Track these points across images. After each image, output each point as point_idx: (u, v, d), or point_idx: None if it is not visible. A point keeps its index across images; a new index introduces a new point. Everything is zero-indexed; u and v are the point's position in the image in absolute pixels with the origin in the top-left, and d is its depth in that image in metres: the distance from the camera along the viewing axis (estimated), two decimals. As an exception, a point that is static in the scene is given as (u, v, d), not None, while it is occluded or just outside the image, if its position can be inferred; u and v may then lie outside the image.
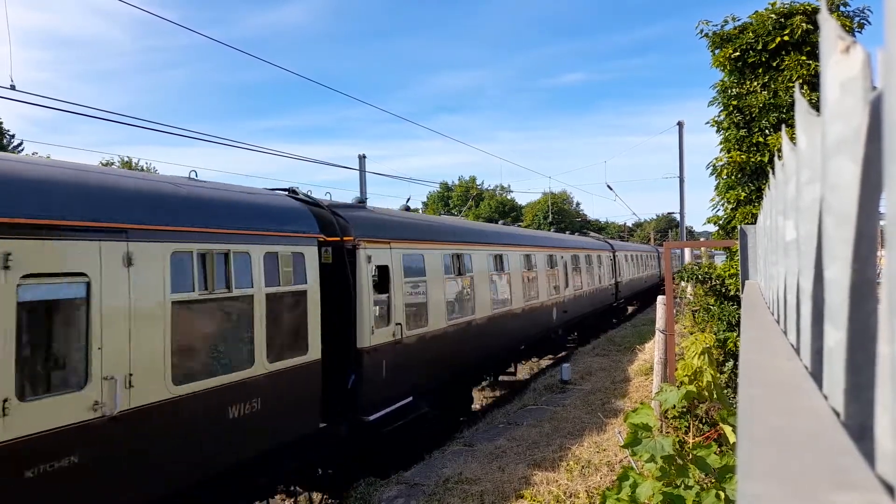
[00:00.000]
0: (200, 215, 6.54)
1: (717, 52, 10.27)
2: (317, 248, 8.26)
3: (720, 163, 10.24)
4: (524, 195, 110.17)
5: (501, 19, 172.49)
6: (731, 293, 9.97)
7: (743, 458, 0.58)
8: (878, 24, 10.42)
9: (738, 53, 9.94)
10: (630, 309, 35.30)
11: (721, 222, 10.39)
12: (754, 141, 9.70)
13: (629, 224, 78.82)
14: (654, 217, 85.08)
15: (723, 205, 10.26)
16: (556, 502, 7.75)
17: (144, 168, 52.81)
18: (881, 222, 0.56)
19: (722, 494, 3.85)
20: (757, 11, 10.06)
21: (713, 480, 4.39)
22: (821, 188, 0.77)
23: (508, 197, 77.20)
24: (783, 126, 1.79)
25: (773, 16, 9.76)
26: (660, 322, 9.55)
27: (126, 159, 52.64)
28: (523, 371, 18.55)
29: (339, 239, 8.81)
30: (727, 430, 4.15)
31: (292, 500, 8.86)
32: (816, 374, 0.91)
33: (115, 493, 5.45)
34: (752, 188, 9.69)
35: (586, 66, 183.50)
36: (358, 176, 26.21)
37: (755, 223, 4.93)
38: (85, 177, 5.75)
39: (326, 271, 8.55)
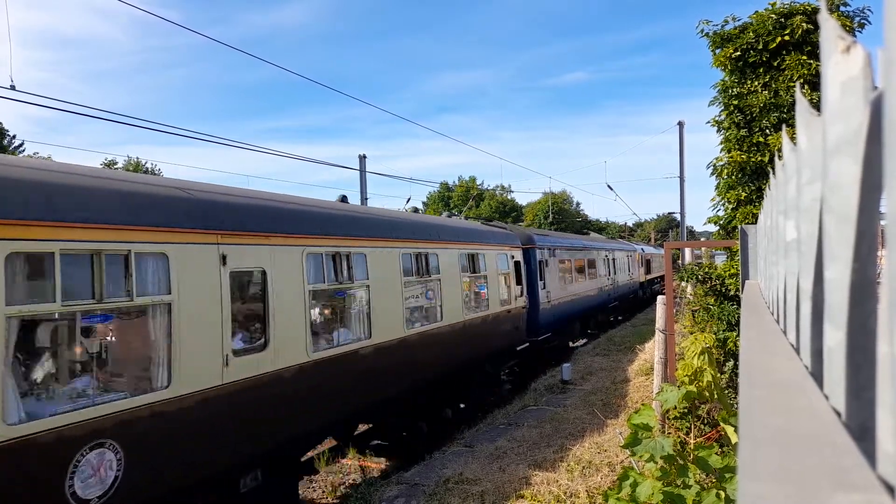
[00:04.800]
0: None
1: (717, 51, 10.27)
2: None
3: (720, 163, 10.24)
4: (524, 195, 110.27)
5: (503, 19, 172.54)
6: (732, 293, 9.97)
7: (744, 459, 0.58)
8: (878, 23, 10.41)
9: (738, 53, 9.94)
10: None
11: (721, 222, 10.39)
12: (755, 141, 9.70)
13: (630, 224, 78.83)
14: (655, 217, 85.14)
15: (723, 205, 10.26)
16: (557, 502, 7.75)
17: (149, 169, 52.81)
18: (881, 222, 0.56)
19: (722, 494, 3.85)
20: (757, 11, 10.07)
21: (713, 480, 4.39)
22: (821, 188, 0.77)
23: (509, 197, 77.22)
24: (784, 126, 1.79)
25: (773, 16, 9.76)
26: (659, 322, 9.54)
27: (135, 160, 52.73)
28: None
29: None
30: (728, 430, 4.15)
31: None
32: (816, 374, 0.91)
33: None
34: (753, 188, 9.68)
35: (588, 66, 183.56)
36: (358, 176, 26.24)
37: (756, 223, 4.93)
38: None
39: None
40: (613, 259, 28.55)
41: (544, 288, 17.83)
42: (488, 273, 13.90)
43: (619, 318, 29.18)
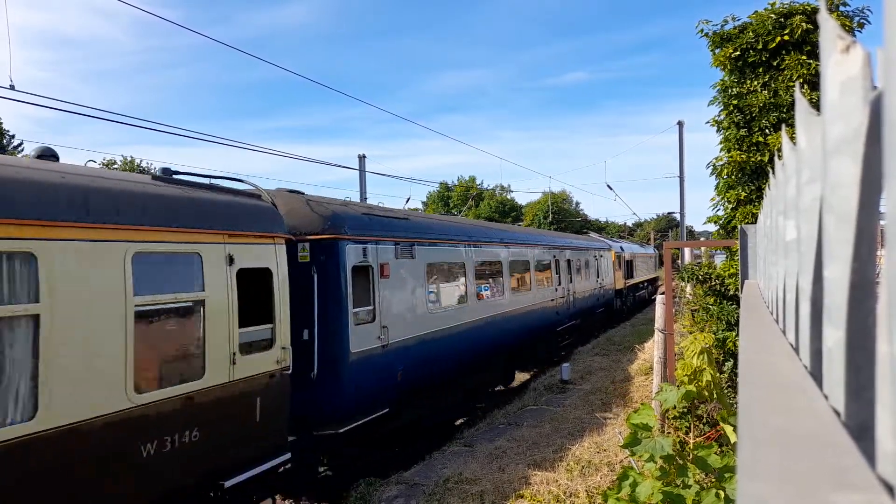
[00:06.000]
0: None
1: (717, 51, 10.28)
2: None
3: (720, 162, 10.25)
4: (524, 195, 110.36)
5: (503, 18, 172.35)
6: (731, 293, 9.97)
7: (744, 458, 0.58)
8: (877, 23, 10.42)
9: (738, 53, 9.94)
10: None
11: (721, 222, 10.40)
12: (754, 140, 9.70)
13: (629, 224, 78.83)
14: (655, 217, 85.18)
15: (723, 204, 10.27)
16: (556, 502, 7.75)
17: (145, 169, 52.79)
18: (881, 222, 0.56)
19: (722, 494, 3.85)
20: (757, 11, 10.07)
21: (713, 480, 4.40)
22: (821, 188, 0.77)
23: (508, 197, 77.22)
24: (783, 126, 1.79)
25: (772, 15, 9.76)
26: (659, 322, 9.54)
27: (129, 159, 52.68)
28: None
29: None
30: (728, 429, 4.15)
31: (291, 501, 8.86)
32: (816, 373, 0.91)
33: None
34: (753, 188, 9.69)
35: (588, 66, 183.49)
36: (358, 176, 26.23)
37: (755, 223, 4.93)
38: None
39: None
40: (568, 261, 20.81)
41: (374, 320, 9.54)
42: (80, 314, 5.20)
43: (584, 340, 21.60)
